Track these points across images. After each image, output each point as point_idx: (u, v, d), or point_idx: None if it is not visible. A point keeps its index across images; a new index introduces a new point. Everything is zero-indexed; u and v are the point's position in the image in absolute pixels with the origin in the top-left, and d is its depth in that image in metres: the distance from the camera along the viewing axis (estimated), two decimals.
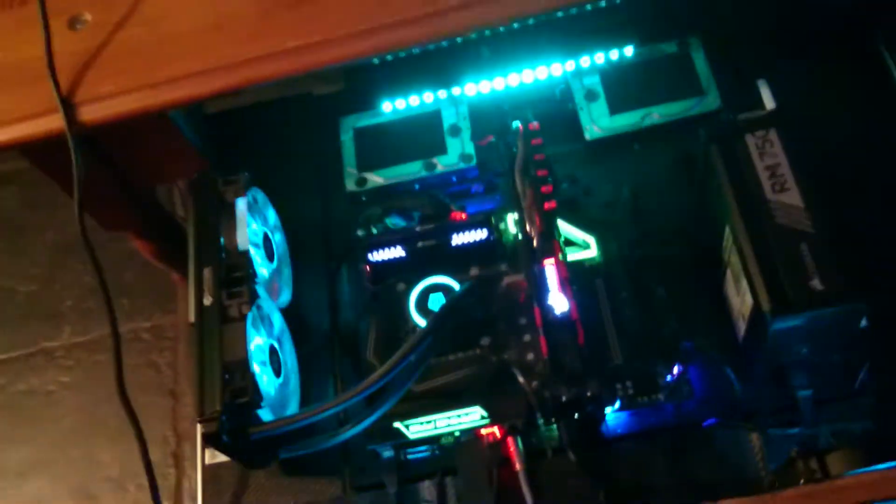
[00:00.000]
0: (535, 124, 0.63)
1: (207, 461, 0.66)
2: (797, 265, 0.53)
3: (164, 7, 0.67)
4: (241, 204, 0.64)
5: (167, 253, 0.87)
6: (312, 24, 0.64)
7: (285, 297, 0.69)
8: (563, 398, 0.55)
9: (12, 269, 1.03)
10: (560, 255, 0.59)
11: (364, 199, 0.74)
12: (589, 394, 0.55)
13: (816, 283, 0.52)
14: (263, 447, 0.60)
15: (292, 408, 0.64)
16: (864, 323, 0.56)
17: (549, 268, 0.57)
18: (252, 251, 0.63)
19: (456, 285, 0.63)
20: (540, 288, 0.56)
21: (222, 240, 0.63)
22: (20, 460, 0.92)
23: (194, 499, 0.84)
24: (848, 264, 0.53)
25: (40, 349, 0.98)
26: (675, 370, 0.61)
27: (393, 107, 0.76)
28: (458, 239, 0.65)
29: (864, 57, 0.71)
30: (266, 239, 0.68)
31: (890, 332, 0.58)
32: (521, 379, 0.59)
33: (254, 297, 0.61)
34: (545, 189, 0.60)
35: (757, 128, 0.58)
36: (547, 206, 0.59)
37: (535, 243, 0.58)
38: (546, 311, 0.56)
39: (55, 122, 0.64)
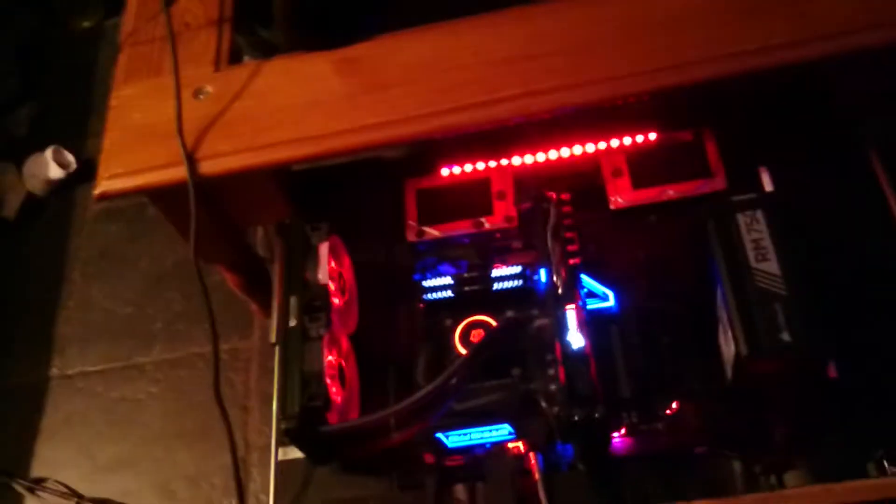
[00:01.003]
0: (566, 195, 0.77)
1: (280, 458, 0.79)
2: (771, 321, 0.65)
3: (270, 85, 0.82)
4: (324, 247, 0.78)
5: (249, 285, 1.01)
6: (387, 107, 0.78)
7: (352, 326, 0.83)
8: (576, 418, 0.67)
9: (114, 293, 1.19)
10: (580, 303, 0.71)
11: (422, 248, 0.87)
12: (597, 416, 0.67)
13: (786, 336, 0.64)
14: (329, 445, 0.73)
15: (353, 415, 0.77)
16: (832, 374, 0.69)
17: (570, 312, 0.70)
18: (330, 286, 0.77)
19: (493, 323, 0.77)
20: (561, 327, 0.69)
21: (307, 275, 0.77)
22: (110, 457, 1.07)
23: (257, 497, 0.97)
24: (813, 323, 0.65)
25: (133, 363, 1.13)
26: (674, 405, 0.73)
27: (450, 172, 0.91)
28: (497, 285, 0.78)
29: (850, 150, 0.84)
30: (340, 277, 0.82)
31: (852, 383, 0.69)
32: (543, 404, 0.72)
33: (329, 322, 0.75)
34: (571, 248, 0.73)
35: (747, 208, 0.70)
36: (571, 262, 0.73)
37: (560, 291, 0.72)
38: (565, 346, 0.68)
39: (180, 173, 0.79)
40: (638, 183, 0.85)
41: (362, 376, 0.79)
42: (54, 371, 1.16)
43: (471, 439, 0.73)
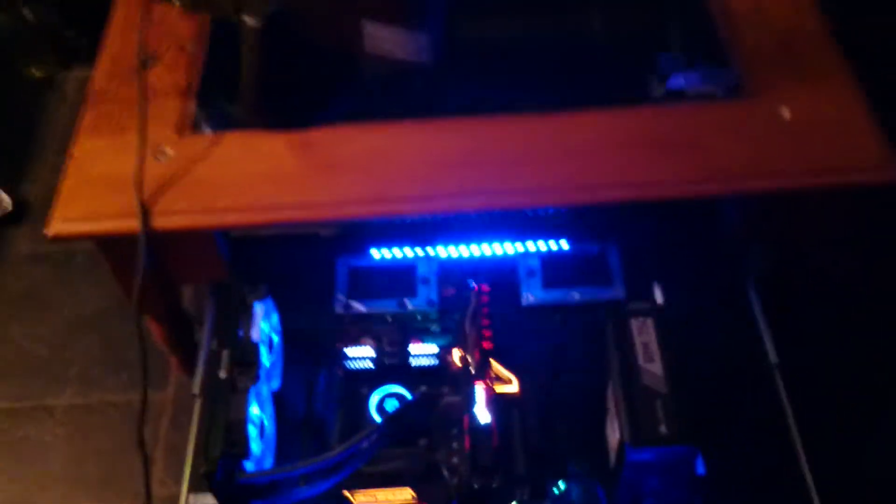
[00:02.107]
0: (486, 286, 0.86)
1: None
2: (652, 415, 0.74)
3: (228, 155, 0.89)
4: (259, 307, 0.85)
5: (174, 339, 1.06)
6: (334, 188, 0.86)
7: (276, 384, 0.88)
8: (475, 485, 0.74)
9: (33, 334, 1.20)
10: (490, 383, 0.80)
11: (347, 321, 0.94)
12: (494, 486, 0.74)
13: (663, 429, 0.74)
14: (242, 494, 0.78)
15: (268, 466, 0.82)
16: (701, 470, 0.78)
17: (480, 389, 0.78)
18: (260, 344, 0.83)
19: (408, 396, 0.84)
20: (470, 402, 0.77)
21: (240, 332, 0.83)
22: (7, 495, 1.06)
23: None
24: (688, 419, 0.74)
25: (43, 404, 1.14)
26: (562, 485, 0.81)
27: (381, 255, 0.99)
28: (414, 362, 0.86)
29: (733, 273, 0.96)
30: (269, 337, 0.88)
31: (718, 479, 0.79)
32: (445, 473, 0.79)
33: (256, 377, 0.80)
34: (486, 333, 0.82)
35: (639, 315, 0.81)
36: (485, 345, 0.81)
37: (472, 371, 0.80)
38: (473, 419, 0.76)
39: (133, 224, 0.85)
40: (548, 284, 0.95)
41: (280, 433, 0.85)
42: None
43: (376, 500, 0.79)
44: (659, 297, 0.89)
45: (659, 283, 0.90)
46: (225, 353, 0.81)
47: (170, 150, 0.90)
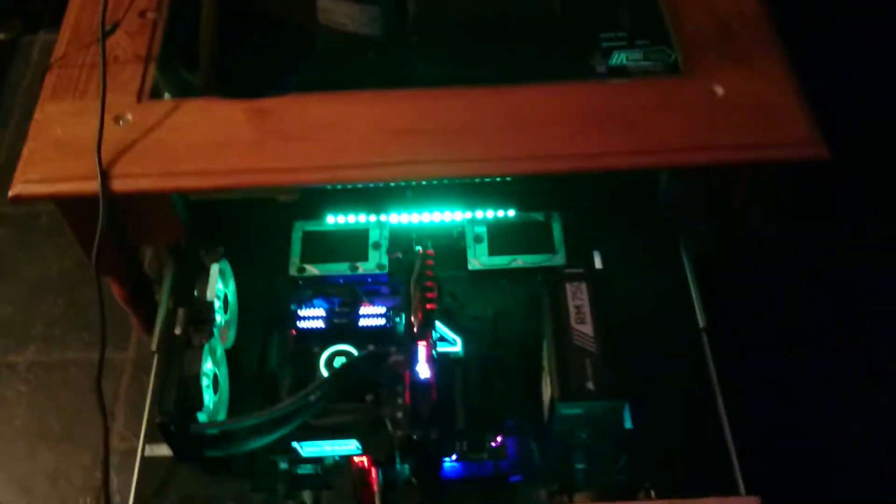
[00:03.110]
0: (431, 251, 0.90)
1: (147, 454, 0.87)
2: (581, 373, 0.80)
3: (186, 121, 0.92)
4: (215, 268, 0.89)
5: (134, 299, 1.09)
6: (289, 155, 0.90)
7: (230, 342, 0.92)
8: (414, 437, 0.79)
9: None
10: (430, 342, 0.84)
11: (300, 283, 0.99)
12: (433, 437, 0.79)
13: (591, 385, 0.79)
14: (195, 444, 0.82)
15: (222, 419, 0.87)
16: (628, 425, 0.84)
17: (421, 348, 0.82)
18: (215, 303, 0.87)
19: (355, 353, 0.88)
20: (412, 360, 0.82)
21: (196, 291, 0.87)
22: None
23: (114, 497, 1.03)
24: (615, 376, 0.80)
25: (6, 361, 1.17)
26: (498, 439, 0.86)
27: (335, 220, 1.03)
28: (363, 322, 0.90)
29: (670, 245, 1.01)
30: (224, 297, 0.92)
31: (644, 432, 0.85)
32: (389, 427, 0.83)
33: (210, 334, 0.85)
34: (430, 295, 0.87)
35: (574, 280, 0.86)
36: (428, 306, 0.86)
37: (415, 330, 0.84)
38: (413, 375, 0.81)
39: (92, 186, 0.88)
40: (493, 250, 0.99)
41: (234, 388, 0.89)
42: None
43: (322, 451, 0.84)
44: (598, 263, 0.94)
45: (599, 251, 0.95)
46: (181, 312, 0.85)
47: (130, 116, 0.92)
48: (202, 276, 0.87)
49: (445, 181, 1.00)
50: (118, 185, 0.88)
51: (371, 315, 0.90)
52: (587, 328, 0.82)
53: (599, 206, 1.03)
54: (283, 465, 0.85)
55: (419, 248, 0.91)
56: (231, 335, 0.93)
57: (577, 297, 0.85)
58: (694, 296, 0.97)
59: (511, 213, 1.02)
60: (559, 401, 0.79)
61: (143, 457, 0.87)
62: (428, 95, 0.94)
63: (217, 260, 0.89)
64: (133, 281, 1.06)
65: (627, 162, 0.91)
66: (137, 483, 0.86)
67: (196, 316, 0.84)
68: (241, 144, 0.91)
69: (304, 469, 0.85)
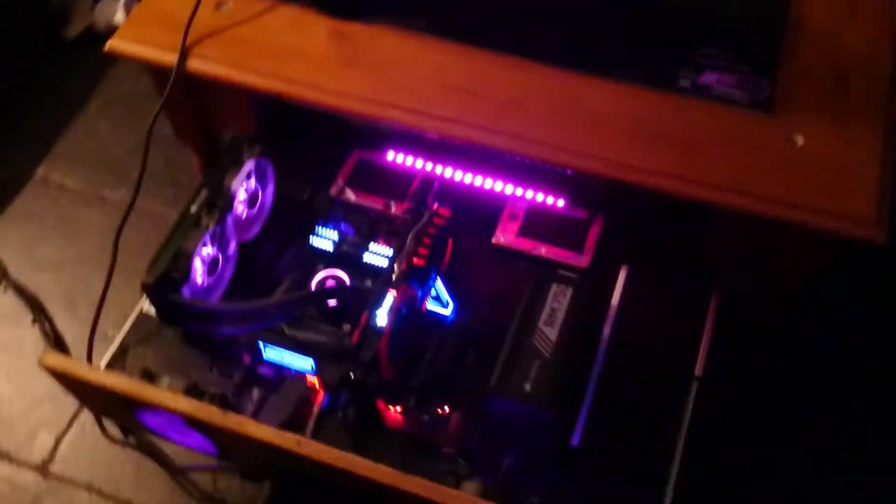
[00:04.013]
0: (445, 211, 0.91)
1: (144, 310, 0.96)
2: (524, 371, 0.78)
3: (276, 24, 0.97)
4: (249, 163, 0.94)
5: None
6: (348, 81, 0.92)
7: (249, 236, 0.98)
8: (352, 376, 0.82)
9: (115, 134, 1.36)
10: (404, 294, 0.85)
11: (336, 203, 1.02)
12: (367, 382, 0.81)
13: (528, 387, 0.78)
14: (176, 313, 0.89)
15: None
16: (575, 442, 0.82)
17: (390, 296, 0.84)
18: (240, 195, 0.93)
19: (347, 281, 0.92)
20: (376, 304, 0.83)
21: (225, 178, 0.93)
22: (48, 262, 1.25)
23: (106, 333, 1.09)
24: (555, 388, 0.78)
25: (100, 195, 1.31)
26: (446, 409, 0.87)
27: (394, 157, 1.05)
28: (368, 258, 0.93)
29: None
30: (255, 194, 0.97)
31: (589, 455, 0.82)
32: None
33: (221, 220, 0.90)
34: (423, 251, 0.87)
35: (562, 282, 0.84)
36: (416, 261, 0.87)
37: (392, 277, 0.86)
38: (370, 317, 0.83)
39: (170, 58, 0.95)
40: (523, 232, 0.98)
41: (238, 278, 0.95)
42: (39, 172, 1.35)
43: (282, 359, 0.88)
44: (621, 279, 0.91)
45: (628, 265, 0.92)
46: (203, 192, 0.91)
47: (231, 4, 0.99)
48: (234, 167, 0.93)
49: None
50: (193, 64, 0.95)
51: (377, 254, 0.92)
52: (552, 332, 0.81)
53: (647, 219, 0.98)
54: (247, 361, 0.90)
55: (435, 203, 0.92)
56: (253, 231, 0.98)
57: (557, 300, 0.83)
58: (704, 339, 0.91)
59: (560, 203, 1.00)
60: (492, 391, 0.78)
61: (140, 312, 0.95)
62: (494, 59, 0.93)
63: (254, 155, 0.94)
64: (208, 155, 1.14)
65: (674, 187, 0.86)
66: (128, 331, 0.94)
67: (212, 199, 0.90)
68: (311, 59, 0.95)
69: (265, 371, 0.90)
